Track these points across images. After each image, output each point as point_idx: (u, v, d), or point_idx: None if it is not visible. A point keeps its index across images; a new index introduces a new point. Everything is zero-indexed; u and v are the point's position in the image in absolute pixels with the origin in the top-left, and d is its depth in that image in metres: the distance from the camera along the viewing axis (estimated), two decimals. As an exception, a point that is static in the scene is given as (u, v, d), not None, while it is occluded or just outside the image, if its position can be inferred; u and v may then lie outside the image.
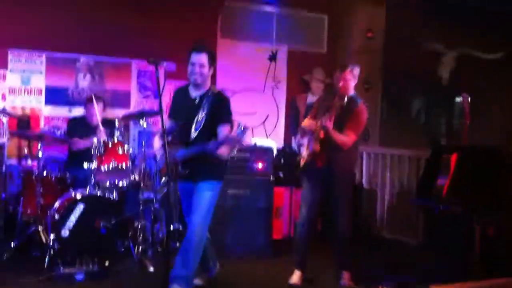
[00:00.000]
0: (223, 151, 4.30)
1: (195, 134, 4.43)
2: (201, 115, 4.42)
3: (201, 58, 4.40)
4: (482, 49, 9.14)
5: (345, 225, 5.12)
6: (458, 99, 5.52)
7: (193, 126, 4.43)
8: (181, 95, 4.64)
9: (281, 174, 6.73)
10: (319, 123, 4.90)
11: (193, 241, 4.51)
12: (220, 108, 4.49)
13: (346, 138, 4.93)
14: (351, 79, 5.04)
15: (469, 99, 5.48)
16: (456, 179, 5.44)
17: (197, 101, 4.49)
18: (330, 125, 4.83)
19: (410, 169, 6.94)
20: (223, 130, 4.43)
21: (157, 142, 4.55)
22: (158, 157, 4.68)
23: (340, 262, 5.25)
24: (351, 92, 5.09)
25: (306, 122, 5.16)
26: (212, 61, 4.50)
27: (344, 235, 5.14)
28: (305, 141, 5.14)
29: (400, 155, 7.13)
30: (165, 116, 4.38)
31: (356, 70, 5.08)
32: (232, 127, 4.47)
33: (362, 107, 5.07)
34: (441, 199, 5.50)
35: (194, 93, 4.54)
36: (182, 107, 4.58)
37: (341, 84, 5.01)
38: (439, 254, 5.91)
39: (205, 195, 4.52)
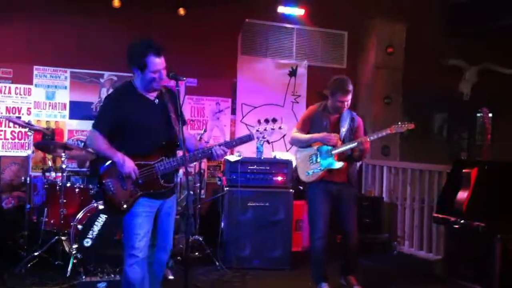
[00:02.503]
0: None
1: (169, 140, 3.92)
2: (172, 116, 3.86)
3: (163, 61, 3.79)
4: (504, 64, 9.11)
5: (356, 233, 5.35)
6: (479, 114, 5.52)
7: (168, 129, 3.87)
8: (130, 99, 3.86)
9: (300, 187, 6.74)
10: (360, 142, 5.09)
11: (165, 266, 4.21)
12: (179, 106, 3.90)
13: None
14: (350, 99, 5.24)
15: (490, 114, 5.48)
16: (476, 194, 5.40)
17: (156, 101, 3.90)
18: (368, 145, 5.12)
19: (431, 183, 6.90)
20: (187, 131, 4.10)
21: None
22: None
23: (350, 268, 5.42)
24: None
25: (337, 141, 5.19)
26: None
27: (356, 243, 5.35)
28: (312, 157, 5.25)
29: (420, 170, 7.10)
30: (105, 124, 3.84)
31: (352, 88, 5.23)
32: None
33: (360, 120, 5.40)
34: (461, 214, 5.47)
35: (149, 95, 3.91)
36: (140, 110, 3.85)
37: (345, 105, 5.17)
38: (459, 269, 5.85)
39: (174, 212, 4.18)
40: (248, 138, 3.97)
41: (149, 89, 3.87)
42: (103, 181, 3.84)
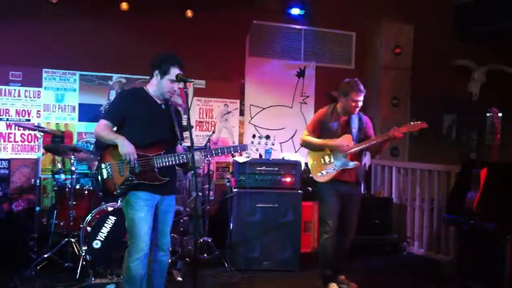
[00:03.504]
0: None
1: (170, 138, 4.22)
2: (174, 122, 4.20)
3: None
4: (512, 64, 9.07)
5: (353, 234, 5.40)
6: (488, 114, 5.52)
7: (169, 131, 4.18)
8: (139, 98, 4.19)
9: (309, 189, 6.74)
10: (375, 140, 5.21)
11: (167, 262, 4.36)
12: (181, 122, 4.37)
13: None
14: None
15: (500, 114, 5.45)
16: (486, 194, 5.40)
17: (163, 106, 4.23)
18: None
19: (440, 184, 6.88)
20: (181, 148, 4.36)
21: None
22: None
23: (340, 267, 5.43)
24: None
25: (348, 140, 5.22)
26: None
27: (350, 243, 5.39)
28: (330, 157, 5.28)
29: (429, 170, 7.08)
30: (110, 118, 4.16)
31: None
32: None
33: (367, 119, 5.48)
34: (471, 214, 5.46)
35: (158, 100, 4.22)
36: (146, 107, 4.16)
37: (359, 105, 5.24)
38: (469, 270, 5.82)
39: (173, 212, 4.35)
40: (242, 148, 4.39)
41: (160, 95, 4.18)
42: (103, 163, 4.07)
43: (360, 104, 5.23)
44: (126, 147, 3.98)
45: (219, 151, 4.34)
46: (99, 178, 4.10)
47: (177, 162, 4.11)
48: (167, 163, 4.09)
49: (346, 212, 5.26)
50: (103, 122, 4.14)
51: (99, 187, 4.23)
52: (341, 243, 5.29)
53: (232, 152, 4.53)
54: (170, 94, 4.18)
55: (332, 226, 5.18)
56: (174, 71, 4.08)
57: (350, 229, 5.33)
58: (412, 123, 5.15)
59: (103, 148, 4.16)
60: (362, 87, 5.20)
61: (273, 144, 4.37)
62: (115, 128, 4.20)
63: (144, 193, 4.05)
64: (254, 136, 4.43)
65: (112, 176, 4.04)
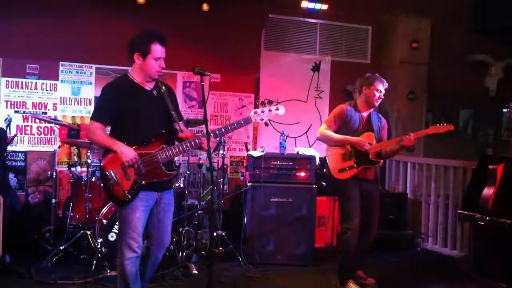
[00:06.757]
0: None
1: (168, 128, 4.01)
2: (169, 108, 3.98)
3: (165, 52, 3.92)
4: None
5: (376, 232, 5.31)
6: (505, 110, 5.48)
7: (166, 120, 4.00)
8: (127, 90, 3.90)
9: (323, 184, 6.72)
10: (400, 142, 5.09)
11: (160, 259, 4.21)
12: (176, 101, 4.16)
13: None
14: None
15: (516, 109, 5.40)
16: (502, 191, 5.35)
17: (154, 93, 3.98)
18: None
19: (456, 180, 6.82)
20: (182, 125, 4.11)
21: None
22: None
23: (361, 263, 5.39)
24: None
25: (369, 137, 5.16)
26: None
27: (372, 242, 5.31)
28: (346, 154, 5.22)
29: (445, 166, 7.03)
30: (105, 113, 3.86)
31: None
32: None
33: (385, 121, 5.43)
34: (486, 211, 5.42)
35: (147, 85, 3.96)
36: (137, 98, 3.90)
37: (381, 96, 5.22)
38: (484, 267, 5.78)
39: (172, 210, 4.16)
40: (246, 121, 3.98)
41: (147, 77, 3.92)
42: (106, 171, 3.83)
43: (382, 96, 5.19)
44: (126, 155, 3.76)
45: (223, 130, 3.95)
46: (106, 188, 3.90)
47: (182, 152, 3.91)
48: (173, 156, 3.90)
49: (367, 210, 5.18)
50: (94, 125, 3.84)
51: (108, 196, 3.98)
52: (360, 243, 5.18)
53: (237, 128, 3.99)
54: (158, 73, 3.92)
55: (357, 222, 5.08)
56: (157, 48, 3.84)
57: (371, 228, 5.23)
58: (437, 124, 5.06)
59: (102, 156, 3.93)
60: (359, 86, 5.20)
61: (277, 109, 3.97)
62: (108, 128, 3.96)
63: (142, 193, 3.85)
64: (256, 105, 4.14)
65: (120, 183, 3.81)
